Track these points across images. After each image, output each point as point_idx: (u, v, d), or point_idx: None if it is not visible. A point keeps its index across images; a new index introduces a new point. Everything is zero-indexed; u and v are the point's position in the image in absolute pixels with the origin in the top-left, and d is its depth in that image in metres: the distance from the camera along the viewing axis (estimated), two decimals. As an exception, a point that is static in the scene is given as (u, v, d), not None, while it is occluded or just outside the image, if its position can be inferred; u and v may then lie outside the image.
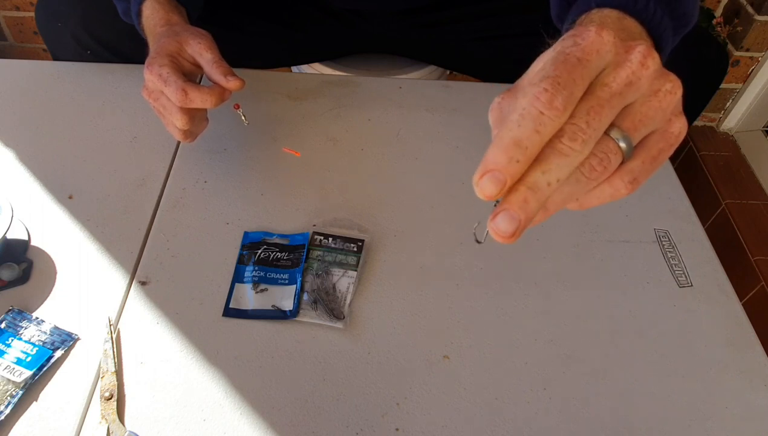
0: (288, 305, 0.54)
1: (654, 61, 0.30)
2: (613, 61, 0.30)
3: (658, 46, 0.45)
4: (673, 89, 0.31)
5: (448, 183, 0.67)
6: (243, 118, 0.66)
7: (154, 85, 0.55)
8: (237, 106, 0.66)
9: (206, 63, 0.57)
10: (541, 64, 0.30)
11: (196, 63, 0.58)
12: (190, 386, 0.48)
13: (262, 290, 0.55)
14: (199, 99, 0.54)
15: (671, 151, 0.33)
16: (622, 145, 0.30)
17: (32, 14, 1.57)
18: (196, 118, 0.58)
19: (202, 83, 0.57)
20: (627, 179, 0.31)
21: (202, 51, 0.57)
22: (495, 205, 0.30)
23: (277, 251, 0.58)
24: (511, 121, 0.28)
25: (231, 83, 0.56)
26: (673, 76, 0.31)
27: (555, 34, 0.47)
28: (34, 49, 1.68)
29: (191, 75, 0.58)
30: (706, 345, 0.54)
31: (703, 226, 0.64)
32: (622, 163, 0.31)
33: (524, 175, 0.29)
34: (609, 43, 0.29)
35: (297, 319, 0.53)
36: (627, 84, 0.30)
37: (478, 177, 0.29)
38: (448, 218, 0.63)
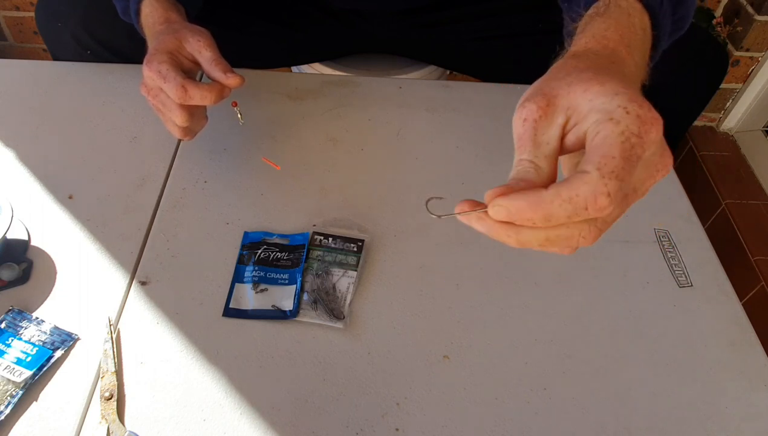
0: (288, 305, 0.54)
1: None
2: (648, 161, 0.31)
3: (654, 48, 0.45)
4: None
5: (448, 183, 0.67)
6: (239, 116, 0.66)
7: (153, 82, 0.55)
8: (235, 104, 0.66)
9: (205, 61, 0.57)
10: (605, 121, 0.30)
11: (195, 60, 0.58)
12: (190, 386, 0.48)
13: (262, 290, 0.55)
14: (199, 96, 0.54)
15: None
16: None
17: (32, 14, 1.57)
18: (195, 115, 0.58)
19: (201, 81, 0.57)
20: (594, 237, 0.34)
21: (201, 48, 0.57)
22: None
23: (277, 251, 0.58)
24: (557, 196, 0.29)
25: (230, 80, 0.56)
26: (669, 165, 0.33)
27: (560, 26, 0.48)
28: (34, 49, 1.68)
29: (190, 72, 0.58)
30: (706, 345, 0.54)
31: (703, 226, 0.64)
32: None
33: (530, 230, 0.31)
34: (657, 143, 0.31)
35: (297, 319, 0.53)
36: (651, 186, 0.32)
37: (499, 202, 0.31)
38: (448, 218, 0.63)
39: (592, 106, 0.31)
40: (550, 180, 0.32)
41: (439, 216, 0.34)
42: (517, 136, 0.33)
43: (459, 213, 0.33)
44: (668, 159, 0.32)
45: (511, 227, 0.31)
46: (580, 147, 0.33)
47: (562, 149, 0.34)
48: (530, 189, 0.30)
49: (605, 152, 0.29)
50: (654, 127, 0.30)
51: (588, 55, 0.37)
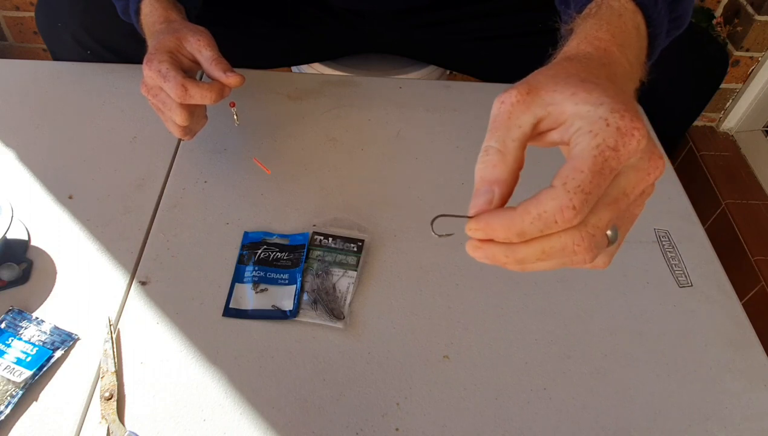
0: (288, 305, 0.54)
1: (662, 174, 0.33)
2: (635, 166, 0.32)
3: (651, 45, 0.45)
4: (653, 190, 0.34)
5: (448, 183, 0.67)
6: (235, 117, 0.66)
7: (153, 82, 0.55)
8: (233, 105, 0.66)
9: (205, 60, 0.57)
10: (576, 128, 0.31)
11: (194, 60, 0.58)
12: (190, 386, 0.48)
13: (262, 290, 0.55)
14: (199, 95, 0.54)
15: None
16: (611, 236, 0.33)
17: (32, 14, 1.57)
18: (195, 114, 0.58)
19: (201, 81, 0.57)
20: (607, 260, 0.35)
21: (201, 48, 0.57)
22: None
23: (277, 251, 0.58)
24: (526, 214, 0.30)
25: (230, 79, 0.56)
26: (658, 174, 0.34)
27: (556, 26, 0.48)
28: (34, 49, 1.68)
29: (190, 72, 0.58)
30: (706, 345, 0.54)
31: (703, 226, 0.64)
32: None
33: (523, 246, 0.32)
34: (641, 151, 0.31)
35: (297, 319, 0.53)
36: (641, 194, 0.33)
37: (474, 226, 0.32)
38: (448, 218, 0.63)
39: (577, 110, 0.32)
40: (516, 168, 0.33)
41: (440, 236, 0.35)
42: (492, 117, 0.33)
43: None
44: (658, 160, 0.32)
45: (508, 247, 0.32)
46: (565, 148, 0.34)
47: (543, 143, 0.34)
48: (499, 209, 0.31)
49: (574, 166, 0.30)
50: (634, 137, 0.30)
51: (579, 58, 0.38)
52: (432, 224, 0.34)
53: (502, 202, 0.32)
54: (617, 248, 0.35)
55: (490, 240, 0.32)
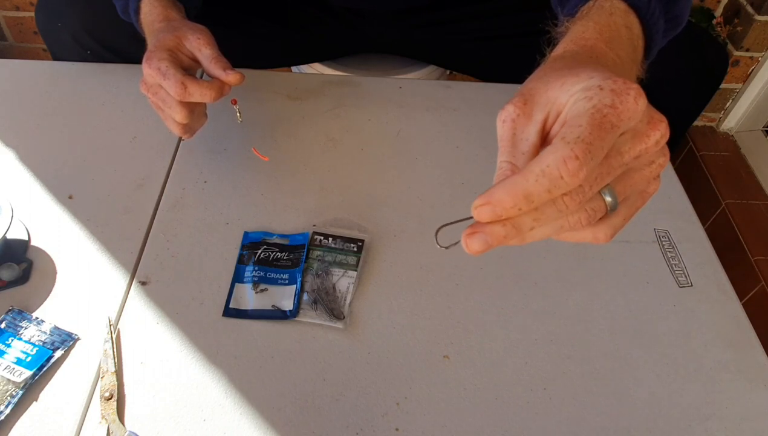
0: (288, 305, 0.54)
1: (665, 138, 0.32)
2: (633, 129, 0.31)
3: (648, 46, 0.45)
4: (665, 162, 0.33)
5: (448, 183, 0.67)
6: (238, 114, 0.66)
7: (153, 80, 0.55)
8: (234, 102, 0.66)
9: (205, 58, 0.57)
10: (567, 98, 0.31)
11: (194, 58, 0.58)
12: (190, 386, 0.48)
13: (262, 290, 0.55)
14: (199, 93, 0.54)
15: (643, 206, 0.36)
16: (610, 202, 0.32)
17: (32, 14, 1.56)
18: (195, 112, 0.58)
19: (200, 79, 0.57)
20: (609, 233, 0.34)
21: (200, 46, 0.57)
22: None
23: (277, 251, 0.58)
24: (530, 173, 0.29)
25: (230, 77, 0.56)
26: (667, 151, 0.33)
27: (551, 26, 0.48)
28: (34, 49, 1.68)
29: (190, 70, 0.58)
30: (706, 345, 0.54)
31: (703, 226, 0.64)
32: (604, 216, 0.33)
33: (519, 221, 0.30)
34: (640, 113, 0.30)
35: (297, 319, 0.53)
36: (637, 156, 0.31)
37: (479, 203, 0.30)
38: (448, 218, 0.63)
39: (570, 94, 0.31)
40: None
41: (446, 247, 0.34)
42: (498, 138, 0.33)
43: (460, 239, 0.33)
44: (659, 123, 0.31)
45: (506, 222, 0.30)
46: None
47: (548, 142, 0.34)
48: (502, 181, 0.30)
49: (572, 123, 0.29)
50: (630, 95, 0.30)
51: (565, 57, 0.38)
52: (436, 236, 0.34)
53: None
54: (623, 221, 0.34)
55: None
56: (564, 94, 0.32)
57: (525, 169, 0.29)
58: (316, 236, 0.59)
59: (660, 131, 0.32)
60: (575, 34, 0.41)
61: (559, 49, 0.40)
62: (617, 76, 0.31)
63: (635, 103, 0.30)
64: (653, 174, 0.33)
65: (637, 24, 0.44)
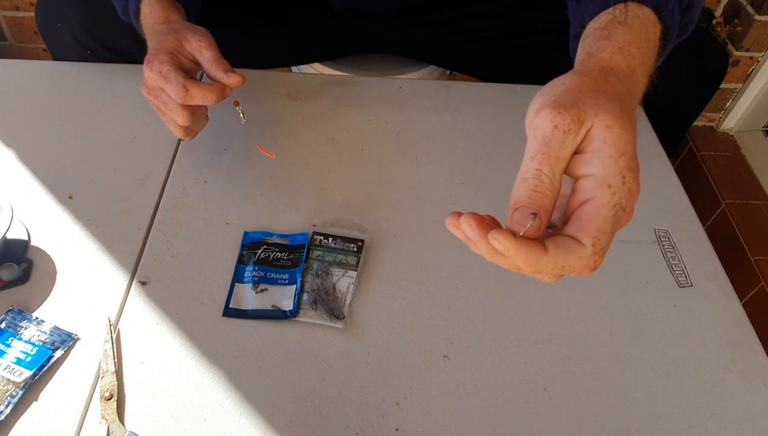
0: (288, 305, 0.54)
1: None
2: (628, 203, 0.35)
3: (659, 53, 0.45)
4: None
5: (448, 183, 0.67)
6: (241, 115, 0.66)
7: (154, 82, 0.55)
8: (236, 103, 0.66)
9: (206, 61, 0.57)
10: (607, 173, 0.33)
11: (195, 60, 0.58)
12: (190, 386, 0.48)
13: (262, 290, 0.55)
14: (200, 96, 0.54)
15: None
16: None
17: (32, 14, 1.56)
18: (196, 114, 0.58)
19: (201, 81, 0.57)
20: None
21: (201, 49, 0.57)
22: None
23: (277, 251, 0.58)
24: (552, 263, 0.33)
25: (231, 79, 0.56)
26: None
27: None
28: (34, 49, 1.68)
29: (190, 72, 0.58)
30: (706, 345, 0.54)
31: (703, 226, 0.64)
32: None
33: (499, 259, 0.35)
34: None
35: (297, 319, 0.53)
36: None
37: (504, 244, 0.33)
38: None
39: (603, 149, 0.33)
40: (556, 196, 0.34)
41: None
42: (543, 137, 0.33)
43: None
44: (632, 215, 0.35)
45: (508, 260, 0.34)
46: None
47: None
48: (531, 244, 0.33)
49: (600, 227, 0.33)
50: (635, 199, 0.34)
51: (615, 82, 0.38)
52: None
53: (543, 229, 0.34)
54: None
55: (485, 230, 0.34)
56: (600, 142, 0.33)
57: (551, 256, 0.32)
58: (316, 236, 0.59)
59: (628, 222, 0.35)
60: (622, 44, 0.40)
61: (606, 55, 0.40)
62: (637, 160, 0.33)
63: (634, 205, 0.34)
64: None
65: (660, 34, 0.44)
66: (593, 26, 0.44)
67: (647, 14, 0.43)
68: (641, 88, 0.41)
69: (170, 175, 0.65)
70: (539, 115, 0.34)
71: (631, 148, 0.33)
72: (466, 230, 0.34)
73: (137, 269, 0.56)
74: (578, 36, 0.46)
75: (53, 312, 0.52)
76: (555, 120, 0.33)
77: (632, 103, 0.38)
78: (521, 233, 0.33)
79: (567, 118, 0.33)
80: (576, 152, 0.34)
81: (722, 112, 1.62)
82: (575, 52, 0.44)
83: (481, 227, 0.33)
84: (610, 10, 0.44)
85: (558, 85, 0.36)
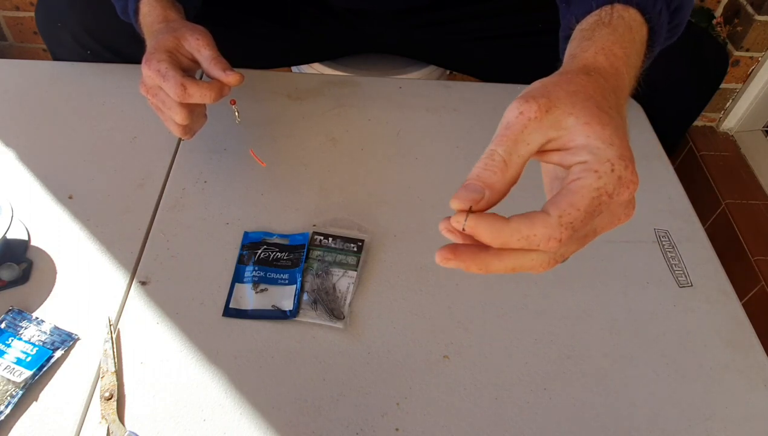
0: (288, 305, 0.54)
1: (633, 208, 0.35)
2: (613, 211, 0.34)
3: (646, 55, 0.45)
4: (630, 214, 0.36)
5: (448, 183, 0.67)
6: (236, 115, 0.66)
7: (152, 81, 0.55)
8: (233, 102, 0.65)
9: (204, 59, 0.57)
10: (588, 159, 0.32)
11: (194, 59, 0.58)
12: (190, 386, 0.48)
13: (262, 290, 0.55)
14: (198, 94, 0.54)
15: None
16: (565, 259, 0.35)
17: (32, 14, 1.56)
18: (195, 113, 0.58)
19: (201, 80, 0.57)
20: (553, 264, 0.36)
21: (200, 47, 0.57)
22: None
23: (277, 251, 0.58)
24: (516, 232, 0.32)
25: (230, 78, 0.56)
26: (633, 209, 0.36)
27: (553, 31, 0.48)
28: (34, 49, 1.68)
29: (189, 71, 0.58)
30: (706, 345, 0.54)
31: (703, 226, 0.64)
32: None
33: (496, 261, 0.34)
34: (627, 203, 0.34)
35: (297, 319, 0.53)
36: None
37: (462, 219, 0.33)
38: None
39: (587, 142, 0.32)
40: (512, 181, 0.33)
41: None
42: (506, 123, 0.33)
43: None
44: (632, 211, 0.35)
45: (484, 261, 0.34)
46: (561, 167, 0.35)
47: (542, 158, 0.35)
48: (493, 217, 0.32)
49: (572, 202, 0.31)
50: (629, 189, 0.32)
51: (596, 77, 0.38)
52: None
53: (486, 207, 0.33)
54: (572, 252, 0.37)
55: (467, 246, 0.34)
56: (583, 137, 0.33)
57: (514, 225, 0.31)
58: (316, 236, 0.59)
59: (630, 217, 0.35)
60: (605, 44, 0.40)
61: (589, 55, 0.40)
62: (629, 150, 0.33)
63: (628, 196, 0.32)
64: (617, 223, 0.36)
65: (647, 37, 0.44)
66: (579, 28, 0.44)
67: (633, 15, 0.43)
68: (627, 86, 0.40)
69: (170, 175, 0.65)
70: (509, 106, 0.34)
71: (618, 139, 0.33)
72: (454, 265, 0.34)
73: (137, 269, 0.56)
74: (567, 38, 0.46)
75: (53, 312, 0.52)
76: (521, 107, 0.33)
77: (618, 98, 0.38)
78: (454, 201, 0.33)
79: (534, 106, 0.33)
80: (561, 149, 0.34)
81: (722, 112, 1.62)
82: (564, 54, 0.44)
83: (460, 253, 0.34)
84: (596, 12, 0.44)
85: (536, 83, 0.36)
